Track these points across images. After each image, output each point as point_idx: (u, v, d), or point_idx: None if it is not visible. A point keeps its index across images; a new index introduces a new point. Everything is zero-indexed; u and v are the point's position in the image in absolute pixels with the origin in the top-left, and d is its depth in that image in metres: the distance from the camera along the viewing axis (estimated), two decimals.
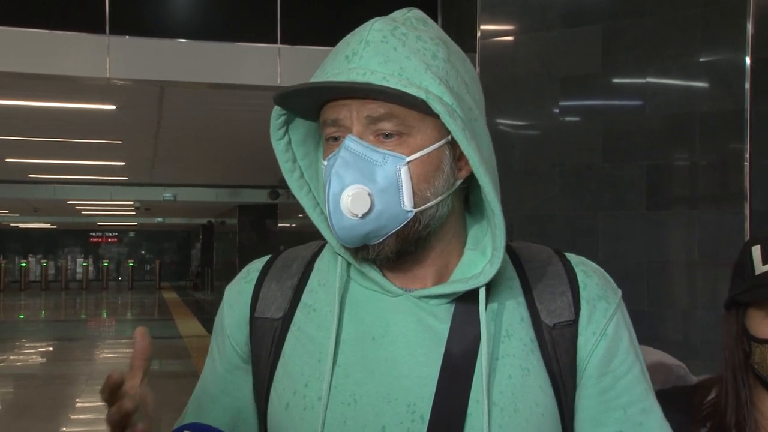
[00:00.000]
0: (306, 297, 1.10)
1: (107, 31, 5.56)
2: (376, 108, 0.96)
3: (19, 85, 6.61)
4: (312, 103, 1.01)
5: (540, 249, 1.13)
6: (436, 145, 0.98)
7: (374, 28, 0.98)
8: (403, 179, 0.96)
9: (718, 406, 1.46)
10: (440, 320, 1.02)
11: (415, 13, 1.04)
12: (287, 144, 1.07)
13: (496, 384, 1.00)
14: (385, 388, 1.00)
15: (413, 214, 0.97)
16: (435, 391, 0.99)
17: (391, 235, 0.98)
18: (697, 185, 4.22)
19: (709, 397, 1.49)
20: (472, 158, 0.95)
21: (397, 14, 1.04)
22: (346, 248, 1.02)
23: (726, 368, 1.46)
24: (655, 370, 1.73)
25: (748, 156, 4.00)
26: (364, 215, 0.95)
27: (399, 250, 1.00)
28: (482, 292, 1.01)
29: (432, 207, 0.99)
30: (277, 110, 1.04)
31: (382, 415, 0.99)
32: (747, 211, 4.00)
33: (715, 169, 4.16)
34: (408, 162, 0.96)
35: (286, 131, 1.07)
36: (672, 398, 1.42)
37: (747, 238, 3.99)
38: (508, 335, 1.03)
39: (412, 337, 1.01)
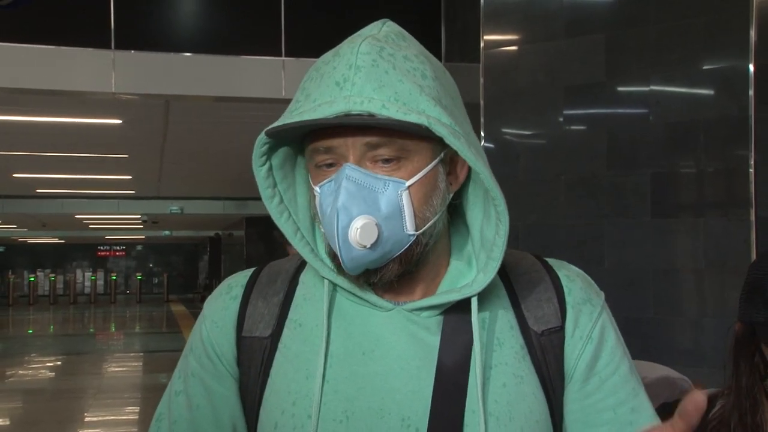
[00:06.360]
0: (292, 313, 1.07)
1: (112, 46, 5.58)
2: (374, 135, 0.94)
3: (26, 101, 6.64)
4: (299, 130, 0.98)
5: (521, 255, 1.13)
6: (431, 165, 0.97)
7: (361, 51, 0.95)
8: (404, 204, 0.95)
9: (723, 423, 1.40)
10: (431, 332, 1.02)
11: (392, 27, 1.02)
12: (268, 170, 1.05)
13: (491, 393, 1.00)
14: (378, 403, 0.99)
15: (415, 237, 0.97)
16: (430, 404, 0.98)
17: (394, 259, 0.97)
18: (703, 193, 4.20)
19: (714, 410, 1.43)
20: (484, 174, 0.95)
21: (373, 30, 1.00)
22: (346, 275, 0.99)
23: (733, 384, 1.40)
24: (659, 385, 1.73)
25: (753, 163, 3.99)
26: (373, 245, 0.94)
27: (402, 273, 0.99)
28: (474, 302, 1.01)
29: (431, 226, 0.98)
30: (262, 139, 1.00)
31: (375, 430, 0.98)
32: (753, 218, 3.98)
33: (720, 176, 4.15)
34: (408, 186, 0.95)
35: (268, 157, 1.04)
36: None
37: (754, 245, 3.97)
38: (500, 343, 1.03)
39: (405, 350, 1.01)
